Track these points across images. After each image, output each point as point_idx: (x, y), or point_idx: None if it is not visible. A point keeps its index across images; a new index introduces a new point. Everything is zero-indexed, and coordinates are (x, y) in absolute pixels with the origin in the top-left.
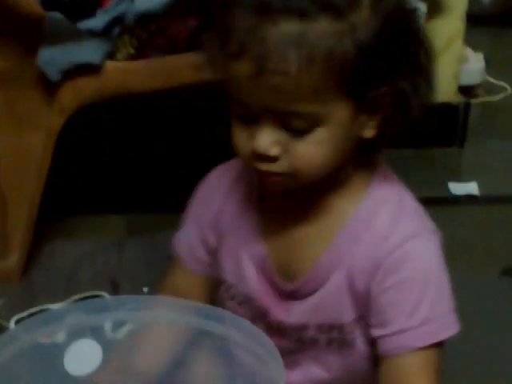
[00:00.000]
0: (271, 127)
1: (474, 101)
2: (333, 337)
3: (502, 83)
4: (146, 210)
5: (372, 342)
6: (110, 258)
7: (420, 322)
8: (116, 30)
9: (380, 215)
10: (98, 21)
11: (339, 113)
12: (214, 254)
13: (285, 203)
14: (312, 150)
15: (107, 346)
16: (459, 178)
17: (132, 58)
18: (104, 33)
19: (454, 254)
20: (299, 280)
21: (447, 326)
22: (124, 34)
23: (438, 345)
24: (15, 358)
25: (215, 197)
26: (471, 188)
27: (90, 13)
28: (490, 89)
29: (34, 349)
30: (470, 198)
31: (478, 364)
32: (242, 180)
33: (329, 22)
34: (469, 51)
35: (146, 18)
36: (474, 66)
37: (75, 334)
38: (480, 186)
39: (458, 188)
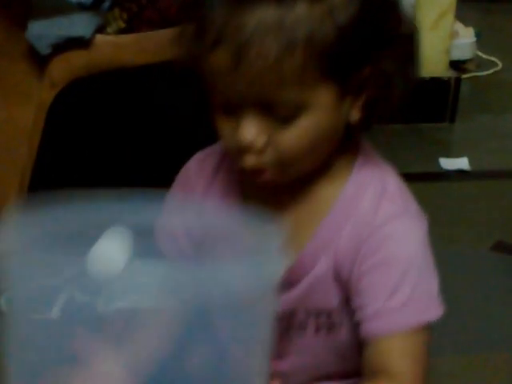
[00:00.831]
0: (254, 118)
1: (464, 76)
2: (321, 322)
3: (493, 58)
4: None
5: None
6: None
7: (401, 303)
8: (106, 4)
9: (362, 199)
10: None
11: (323, 97)
12: (197, 244)
13: (268, 190)
14: (298, 138)
15: None
16: (450, 154)
17: (123, 31)
18: (94, 6)
19: (446, 228)
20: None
21: (429, 310)
22: (114, 8)
23: (422, 328)
24: None
25: (197, 184)
26: (462, 163)
27: None
28: (481, 64)
29: None
30: (460, 174)
31: (468, 336)
32: (223, 167)
33: (307, 6)
34: (459, 26)
35: None
36: (464, 40)
37: None
38: (471, 162)
39: (448, 163)
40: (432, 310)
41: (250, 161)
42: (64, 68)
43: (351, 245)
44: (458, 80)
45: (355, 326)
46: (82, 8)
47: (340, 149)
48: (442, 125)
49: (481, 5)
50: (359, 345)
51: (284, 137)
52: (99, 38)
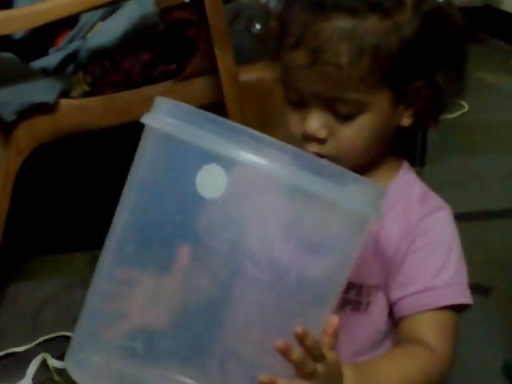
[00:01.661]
0: (320, 112)
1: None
2: (349, 297)
3: (459, 101)
4: None
5: (389, 313)
6: (75, 296)
7: (444, 283)
8: (70, 68)
9: (410, 192)
10: (50, 59)
11: (381, 101)
12: None
13: None
14: (356, 134)
15: None
16: None
17: (88, 94)
18: (57, 71)
19: None
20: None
21: (467, 294)
22: (78, 72)
23: (458, 310)
24: None
25: None
26: None
27: (43, 52)
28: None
29: None
30: None
31: None
32: None
33: (377, 21)
34: None
35: (99, 55)
36: None
37: None
38: None
39: None
40: (468, 295)
41: (312, 148)
42: (30, 134)
43: (399, 228)
44: None
45: (382, 308)
46: (46, 73)
47: (389, 152)
48: None
49: None
50: (377, 332)
51: (343, 132)
52: (64, 102)
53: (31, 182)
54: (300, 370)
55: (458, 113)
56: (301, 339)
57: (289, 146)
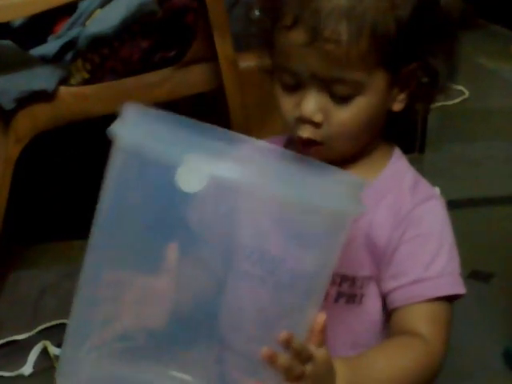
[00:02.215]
0: (317, 93)
1: (432, 106)
2: (343, 290)
3: (459, 87)
4: None
5: (383, 304)
6: (75, 284)
7: (437, 274)
8: (69, 56)
9: (401, 181)
10: (49, 47)
11: (378, 83)
12: None
13: None
14: (351, 117)
15: None
16: None
17: (87, 82)
18: (56, 59)
19: None
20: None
21: (460, 284)
22: (77, 59)
23: (450, 300)
24: None
25: None
26: None
27: (42, 39)
28: (448, 93)
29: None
30: None
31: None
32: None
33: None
34: None
35: (98, 42)
36: None
37: None
38: (443, 191)
39: None
40: (461, 285)
41: (306, 132)
42: (29, 122)
43: (390, 217)
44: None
45: (376, 299)
46: (45, 61)
47: (379, 142)
48: (411, 156)
49: None
50: (372, 323)
51: (339, 114)
52: (63, 89)
53: (31, 169)
54: (287, 375)
55: (459, 99)
56: (286, 344)
57: (261, 150)
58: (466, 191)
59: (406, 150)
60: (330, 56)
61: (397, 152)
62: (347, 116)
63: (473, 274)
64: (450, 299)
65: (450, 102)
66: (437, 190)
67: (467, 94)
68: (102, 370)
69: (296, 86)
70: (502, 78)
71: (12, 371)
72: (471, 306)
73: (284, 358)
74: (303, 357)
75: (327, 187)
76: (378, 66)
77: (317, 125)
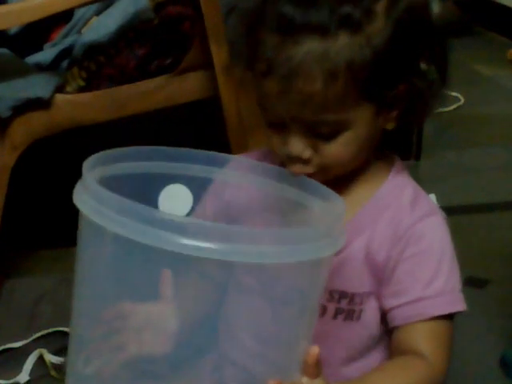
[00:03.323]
0: (301, 135)
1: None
2: (342, 307)
3: (455, 93)
4: None
5: (381, 317)
6: (72, 291)
7: (436, 293)
8: (65, 63)
9: (400, 196)
10: (45, 55)
11: (362, 115)
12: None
13: None
14: (340, 150)
15: None
16: None
17: (83, 90)
18: (52, 66)
19: None
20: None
21: (459, 301)
22: (73, 67)
23: (449, 318)
24: None
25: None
26: None
27: (38, 47)
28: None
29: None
30: None
31: None
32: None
33: (348, 37)
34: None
35: (93, 49)
36: None
37: None
38: (439, 198)
39: None
40: (460, 302)
41: (298, 168)
42: (25, 130)
43: (389, 234)
44: None
45: (375, 314)
46: (41, 68)
47: (378, 156)
48: (407, 163)
49: None
50: (370, 339)
51: (327, 149)
52: (59, 97)
53: (27, 176)
54: None
55: (454, 106)
56: None
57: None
58: (462, 198)
59: (402, 157)
60: (307, 102)
61: (397, 165)
62: (336, 149)
63: (468, 281)
64: (450, 316)
65: (446, 109)
66: (432, 196)
67: (463, 100)
68: None
69: (281, 125)
70: (498, 85)
71: (8, 379)
72: (466, 312)
73: None
74: None
75: (301, 238)
76: (359, 101)
77: (306, 161)
